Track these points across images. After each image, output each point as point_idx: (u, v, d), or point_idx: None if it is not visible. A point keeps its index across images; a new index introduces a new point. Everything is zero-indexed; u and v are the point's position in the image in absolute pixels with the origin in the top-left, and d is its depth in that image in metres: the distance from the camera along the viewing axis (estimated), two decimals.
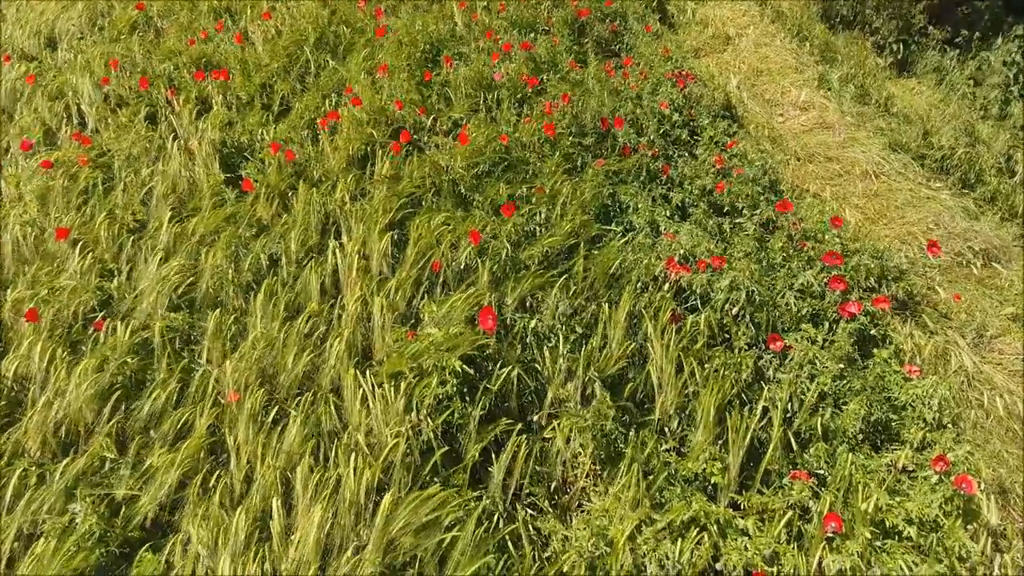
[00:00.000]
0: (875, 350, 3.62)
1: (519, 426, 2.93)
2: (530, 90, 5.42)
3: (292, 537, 2.51)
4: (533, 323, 3.28)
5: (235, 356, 3.23)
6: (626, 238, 3.97)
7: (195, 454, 2.85)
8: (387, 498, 2.52)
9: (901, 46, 7.49)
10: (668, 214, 4.49)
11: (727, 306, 3.43)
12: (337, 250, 3.71)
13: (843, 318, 3.70)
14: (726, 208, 4.79)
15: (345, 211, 4.06)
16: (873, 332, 3.75)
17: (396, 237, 3.92)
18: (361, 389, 2.95)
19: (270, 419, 2.91)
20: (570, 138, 4.86)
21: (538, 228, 3.97)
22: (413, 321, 3.46)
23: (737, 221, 4.43)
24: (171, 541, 2.56)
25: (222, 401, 3.09)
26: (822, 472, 2.95)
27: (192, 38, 5.76)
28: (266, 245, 3.84)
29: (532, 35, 6.22)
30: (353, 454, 2.71)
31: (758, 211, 4.59)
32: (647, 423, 3.07)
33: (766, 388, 3.17)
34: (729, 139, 5.66)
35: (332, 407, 2.96)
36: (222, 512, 2.60)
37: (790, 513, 2.59)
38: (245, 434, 2.89)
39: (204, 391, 3.11)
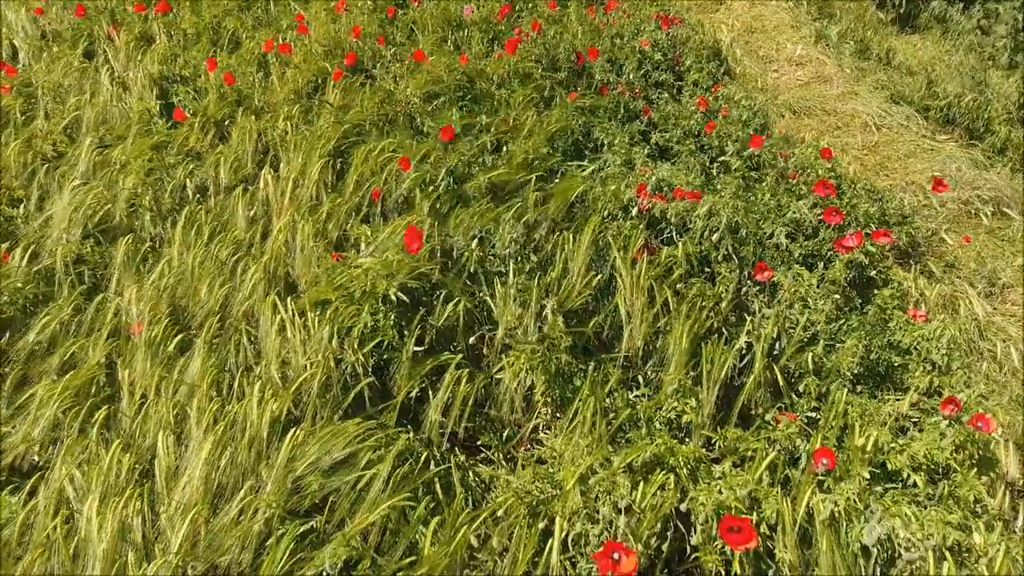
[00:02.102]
0: (876, 291, 3.22)
1: (459, 358, 2.51)
2: (502, 26, 5.00)
3: (180, 479, 2.10)
4: (478, 253, 2.86)
5: (145, 285, 2.82)
6: (594, 166, 3.56)
7: (82, 387, 2.45)
8: (293, 432, 2.11)
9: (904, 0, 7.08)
10: (647, 153, 4.08)
11: (706, 233, 3.02)
12: (271, 178, 3.30)
13: (839, 255, 3.30)
14: (715, 152, 4.38)
15: (286, 141, 3.65)
16: (873, 274, 3.34)
17: (339, 167, 3.51)
18: (279, 318, 2.54)
19: (171, 349, 2.50)
20: (541, 71, 4.45)
21: (492, 160, 3.55)
22: (347, 252, 3.05)
23: (722, 159, 4.02)
24: (34, 483, 2.15)
25: (128, 335, 2.69)
26: (813, 415, 2.54)
27: None
28: (192, 172, 3.43)
29: None
30: (261, 384, 2.30)
31: (743, 148, 4.17)
32: (612, 360, 2.66)
33: (749, 321, 2.76)
34: (716, 82, 5.25)
35: (245, 338, 2.55)
36: (101, 450, 2.19)
37: (773, 453, 2.18)
38: (143, 367, 2.48)
39: (103, 321, 2.69)
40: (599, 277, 2.89)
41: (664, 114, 4.53)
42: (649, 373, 2.69)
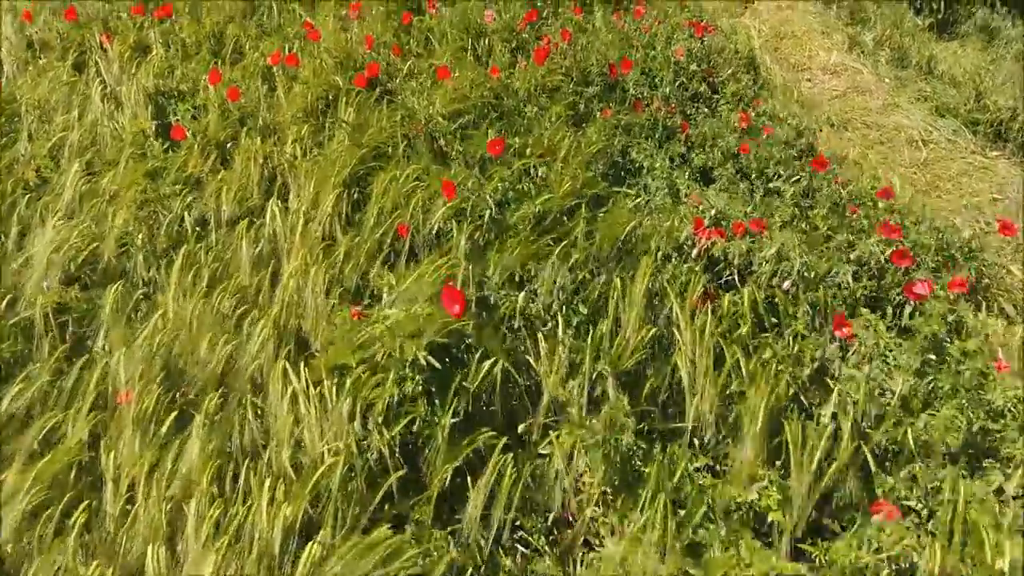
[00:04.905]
0: (955, 340, 2.85)
1: (502, 442, 2.15)
2: (526, 34, 4.64)
3: None
4: (522, 301, 2.50)
5: (136, 342, 2.45)
6: (640, 199, 3.19)
7: (61, 473, 2.08)
8: (310, 548, 1.75)
9: (943, 4, 6.69)
10: (689, 175, 3.72)
11: (775, 280, 2.65)
12: (279, 211, 2.93)
13: (909, 301, 2.93)
14: (754, 175, 4.01)
15: (295, 167, 3.28)
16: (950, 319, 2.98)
17: (356, 196, 3.15)
18: (291, 388, 2.17)
19: (164, 430, 2.13)
20: (572, 85, 4.08)
21: (532, 187, 3.18)
22: (368, 301, 2.68)
23: (772, 186, 3.64)
24: None
25: (116, 405, 2.32)
26: (912, 503, 2.18)
27: None
28: (191, 204, 3.06)
29: None
30: (271, 480, 1.94)
31: (794, 175, 3.81)
32: (675, 435, 2.30)
33: (834, 388, 2.39)
34: (756, 97, 4.89)
35: (251, 412, 2.18)
36: (78, 563, 1.83)
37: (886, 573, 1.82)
38: (131, 449, 2.11)
39: (88, 386, 2.33)
40: (655, 332, 2.53)
41: (703, 132, 4.16)
42: (714, 441, 2.33)
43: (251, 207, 3.13)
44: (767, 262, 2.66)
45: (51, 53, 4.31)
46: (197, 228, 3.03)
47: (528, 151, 3.37)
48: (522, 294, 2.52)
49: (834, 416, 2.31)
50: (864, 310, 2.86)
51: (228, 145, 3.45)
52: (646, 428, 2.29)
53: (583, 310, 2.50)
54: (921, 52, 6.29)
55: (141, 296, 2.68)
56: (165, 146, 3.49)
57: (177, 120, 3.47)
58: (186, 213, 3.00)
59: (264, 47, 4.46)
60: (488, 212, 2.83)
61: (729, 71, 4.83)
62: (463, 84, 3.77)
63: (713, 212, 2.93)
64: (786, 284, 2.61)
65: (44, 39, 4.45)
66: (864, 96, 5.95)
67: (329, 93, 3.87)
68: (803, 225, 3.32)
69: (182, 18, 4.69)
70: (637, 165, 3.72)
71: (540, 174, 3.33)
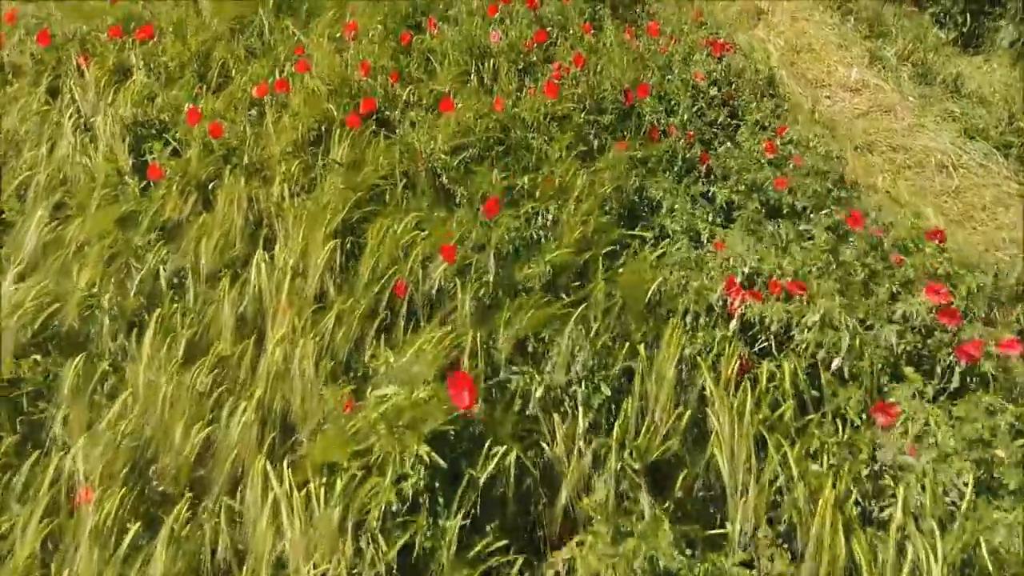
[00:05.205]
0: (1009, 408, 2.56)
1: (519, 560, 1.85)
2: (534, 55, 4.34)
3: None
4: (537, 385, 2.21)
5: (98, 431, 2.15)
6: (661, 249, 2.90)
7: None
8: None
9: (968, 17, 6.39)
10: (711, 216, 3.42)
11: (820, 355, 2.35)
12: (264, 266, 2.63)
13: (958, 362, 2.65)
14: (784, 209, 3.72)
15: (283, 210, 2.98)
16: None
17: (350, 246, 2.85)
18: (272, 495, 1.88)
19: (125, 547, 1.83)
20: (584, 115, 3.79)
21: (543, 235, 2.89)
22: (363, 371, 2.38)
23: (803, 228, 3.34)
24: None
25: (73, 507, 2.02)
26: None
27: None
28: (167, 257, 2.76)
29: None
30: None
31: (826, 211, 3.51)
32: (715, 543, 2.00)
33: (890, 479, 2.10)
34: (779, 123, 4.60)
35: (224, 520, 1.89)
36: None
37: None
38: (88, 564, 1.81)
39: (43, 484, 2.03)
40: (688, 414, 2.23)
41: (725, 163, 3.87)
42: (762, 555, 2.03)
43: (234, 257, 2.83)
44: (809, 330, 2.36)
45: (23, 78, 4.00)
46: (175, 282, 2.72)
47: (538, 192, 3.07)
48: (536, 375, 2.22)
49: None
50: (908, 369, 2.57)
51: (211, 185, 3.15)
52: (682, 533, 1.99)
53: (605, 390, 2.20)
54: (945, 68, 5.99)
55: (108, 368, 2.38)
56: (143, 184, 3.19)
57: (154, 158, 3.17)
58: (161, 267, 2.69)
59: (253, 70, 4.16)
60: (491, 275, 2.53)
61: (749, 93, 4.53)
62: (466, 115, 3.47)
63: (746, 270, 2.62)
64: (835, 363, 2.31)
65: (16, 63, 4.15)
66: (888, 116, 5.66)
67: (321, 124, 3.57)
68: (838, 271, 3.03)
69: (166, 38, 4.39)
70: (655, 202, 3.43)
71: (551, 216, 3.03)
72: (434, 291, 2.60)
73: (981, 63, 6.42)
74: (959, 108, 5.55)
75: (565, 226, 2.91)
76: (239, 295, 2.60)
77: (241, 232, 2.89)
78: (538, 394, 2.18)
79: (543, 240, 2.84)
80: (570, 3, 5.06)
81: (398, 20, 4.75)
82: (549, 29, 4.60)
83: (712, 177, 3.86)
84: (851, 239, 3.28)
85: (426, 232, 2.76)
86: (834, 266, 3.03)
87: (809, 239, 3.27)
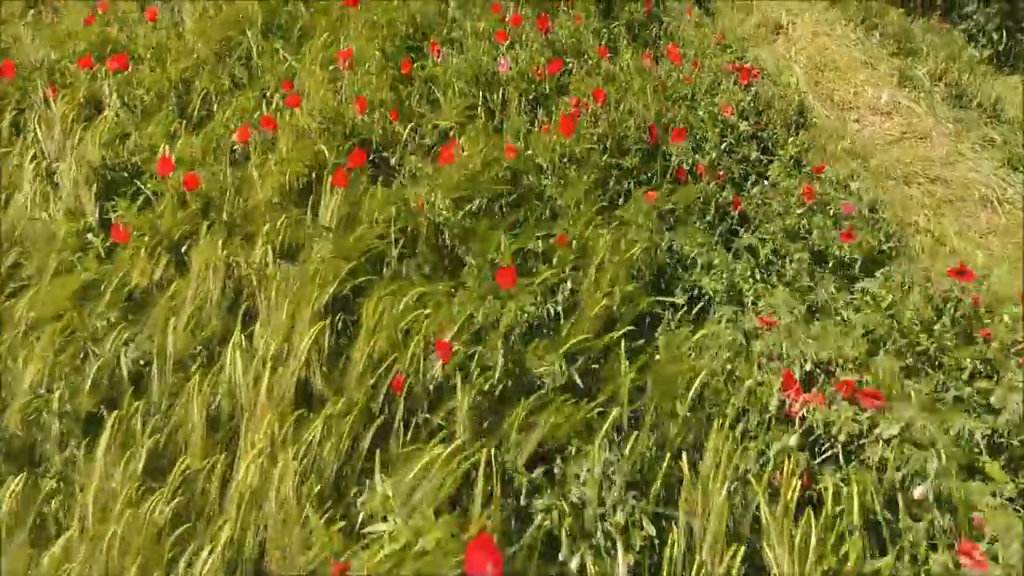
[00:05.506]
0: None
1: None
2: (547, 84, 3.96)
3: None
4: (565, 516, 1.83)
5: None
6: (701, 330, 2.51)
7: None
8: None
9: (1004, 34, 6.01)
10: (752, 272, 3.06)
11: (900, 475, 1.98)
12: (239, 353, 2.25)
13: None
14: (829, 260, 3.36)
15: (267, 277, 2.61)
16: None
17: (341, 324, 2.48)
18: None
19: None
20: (605, 156, 3.42)
21: (560, 312, 2.51)
22: (356, 490, 2.01)
23: (861, 287, 2.97)
24: None
25: None
26: None
27: (91, 14, 4.28)
28: (131, 337, 2.39)
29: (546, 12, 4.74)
30: None
31: (888, 269, 3.15)
32: None
33: None
34: (811, 155, 4.22)
35: None
36: None
37: None
38: None
39: None
40: (742, 552, 1.86)
41: (760, 207, 3.51)
42: None
43: (209, 337, 2.46)
44: (887, 447, 1.99)
45: None
46: (139, 370, 2.35)
47: (555, 258, 2.70)
48: (564, 504, 1.85)
49: None
50: (990, 464, 2.21)
51: (185, 246, 2.77)
52: None
53: (649, 528, 1.83)
54: (983, 90, 5.61)
55: (53, 486, 2.01)
56: (108, 244, 2.82)
57: (118, 217, 2.79)
58: (123, 353, 2.32)
59: (238, 102, 3.79)
60: (497, 367, 2.16)
61: (781, 125, 4.15)
62: (472, 157, 3.10)
63: (806, 365, 2.24)
64: (918, 492, 1.93)
65: None
66: (923, 143, 5.28)
67: (312, 170, 3.20)
68: (900, 339, 2.67)
69: (144, 65, 4.02)
70: (688, 259, 3.06)
71: (569, 287, 2.65)
72: (436, 383, 2.23)
73: (1019, 83, 6.04)
74: (999, 135, 5.18)
75: (586, 299, 2.54)
76: (211, 389, 2.22)
77: (217, 306, 2.52)
78: (566, 529, 1.80)
79: (560, 318, 2.47)
80: (582, 22, 4.69)
81: (397, 43, 4.38)
82: (563, 55, 4.22)
83: (747, 224, 3.50)
84: (911, 302, 2.91)
85: (428, 311, 2.39)
86: (898, 337, 2.67)
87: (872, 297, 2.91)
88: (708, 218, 3.32)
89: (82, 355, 2.37)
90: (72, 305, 2.46)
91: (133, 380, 2.32)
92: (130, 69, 3.84)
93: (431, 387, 2.22)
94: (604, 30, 4.92)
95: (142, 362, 2.32)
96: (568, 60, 4.15)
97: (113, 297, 2.55)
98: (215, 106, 3.76)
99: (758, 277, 2.98)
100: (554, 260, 2.71)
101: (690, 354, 2.39)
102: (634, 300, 2.58)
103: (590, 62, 4.23)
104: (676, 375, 2.25)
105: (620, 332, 2.36)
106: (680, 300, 2.79)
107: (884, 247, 3.56)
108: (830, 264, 3.35)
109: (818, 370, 2.29)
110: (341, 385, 2.26)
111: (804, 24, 7.04)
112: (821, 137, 5.04)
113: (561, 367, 2.18)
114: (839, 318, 2.88)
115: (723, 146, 3.79)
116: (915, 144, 5.24)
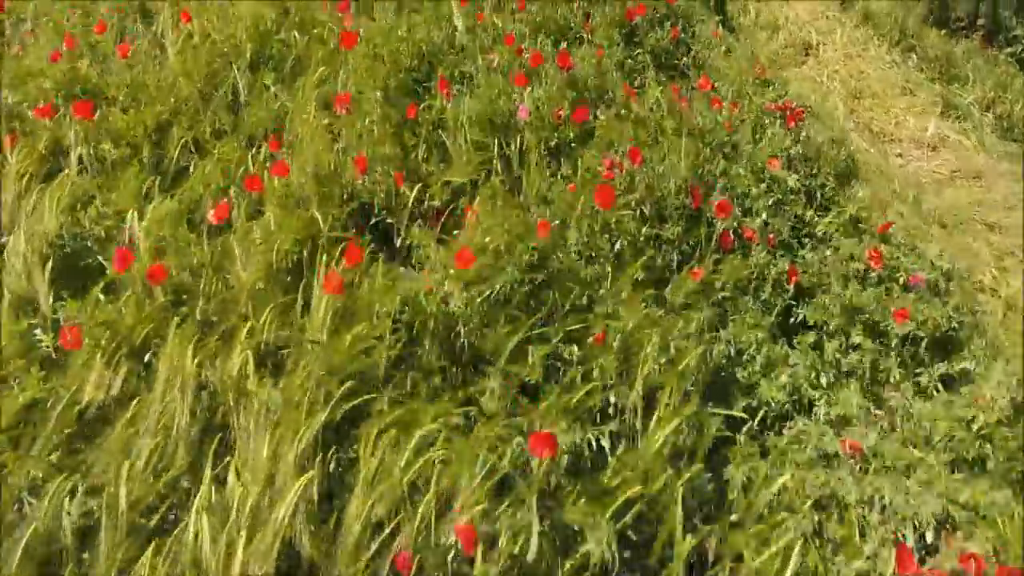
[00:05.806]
0: None
1: None
2: (571, 131, 3.51)
3: None
4: None
5: None
6: (782, 479, 2.05)
7: None
8: None
9: None
10: (819, 367, 2.61)
11: None
12: (205, 520, 1.80)
13: None
14: (891, 337, 2.92)
15: (245, 396, 2.15)
16: None
17: (333, 462, 2.03)
18: None
19: None
20: (643, 223, 2.97)
21: (602, 444, 2.06)
22: None
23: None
24: None
25: None
26: None
27: (57, 50, 3.81)
28: (77, 484, 1.93)
29: (563, 44, 4.28)
30: None
31: (965, 361, 2.70)
32: None
33: None
34: (867, 207, 3.77)
35: None
36: None
37: None
38: None
39: None
40: None
41: (817, 273, 3.07)
42: None
43: (173, 478, 2.01)
44: None
45: None
46: (83, 531, 1.90)
47: (594, 364, 2.25)
48: None
49: None
50: None
51: (149, 353, 2.31)
52: None
53: None
54: None
55: None
56: (58, 345, 2.36)
57: (66, 322, 2.32)
58: (65, 511, 1.86)
59: (224, 151, 3.34)
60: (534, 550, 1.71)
61: (834, 178, 3.70)
62: (493, 236, 2.65)
63: (925, 530, 1.79)
64: None
65: None
66: (975, 183, 4.83)
67: (304, 244, 2.75)
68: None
69: (115, 106, 3.57)
70: (744, 355, 2.61)
71: (614, 398, 2.20)
72: (454, 559, 1.78)
73: None
74: None
75: (637, 424, 2.09)
76: (172, 562, 1.77)
77: (184, 437, 2.06)
78: None
79: (607, 452, 2.02)
80: (604, 54, 4.23)
81: (401, 77, 3.92)
82: (585, 94, 3.77)
83: (803, 297, 3.06)
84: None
85: (439, 452, 1.93)
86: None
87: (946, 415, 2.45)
88: (763, 297, 2.87)
89: (17, 507, 1.92)
90: (7, 441, 2.00)
91: (78, 540, 1.87)
92: (99, 114, 3.38)
93: (449, 563, 1.76)
94: (628, 59, 4.48)
95: (87, 523, 1.86)
96: (589, 95, 3.69)
97: (60, 420, 2.10)
98: (195, 158, 3.31)
99: (823, 382, 2.53)
100: (593, 369, 2.25)
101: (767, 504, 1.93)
102: (701, 425, 2.12)
103: (617, 101, 3.78)
104: (753, 538, 1.79)
105: (683, 478, 1.90)
106: (742, 414, 2.34)
107: (955, 323, 3.10)
108: (892, 344, 2.91)
109: (939, 527, 1.84)
110: (332, 552, 1.81)
111: (835, 44, 6.60)
112: (864, 173, 4.59)
113: (610, 542, 1.72)
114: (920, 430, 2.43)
115: (771, 203, 3.33)
116: (967, 185, 4.79)
